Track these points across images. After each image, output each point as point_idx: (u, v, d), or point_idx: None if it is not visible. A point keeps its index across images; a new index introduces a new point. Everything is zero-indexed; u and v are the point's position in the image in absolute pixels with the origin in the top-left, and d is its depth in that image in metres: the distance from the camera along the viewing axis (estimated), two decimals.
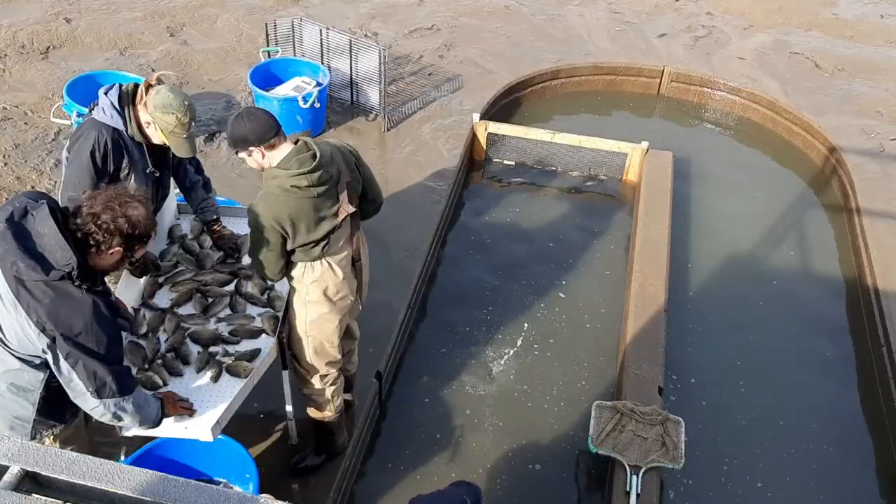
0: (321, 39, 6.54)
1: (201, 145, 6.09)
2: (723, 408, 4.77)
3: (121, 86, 3.27)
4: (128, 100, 3.23)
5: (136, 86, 3.28)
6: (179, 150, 3.29)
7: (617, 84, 7.83)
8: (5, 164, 5.54)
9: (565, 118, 7.36)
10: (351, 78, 6.58)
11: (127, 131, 3.27)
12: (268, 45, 6.73)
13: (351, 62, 6.48)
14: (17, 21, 7.32)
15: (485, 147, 6.66)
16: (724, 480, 4.38)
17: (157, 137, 3.28)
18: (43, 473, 1.61)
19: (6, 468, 1.61)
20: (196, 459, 3.57)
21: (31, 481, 1.62)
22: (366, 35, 7.71)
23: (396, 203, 5.80)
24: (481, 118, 6.61)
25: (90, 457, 1.65)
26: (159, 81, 3.24)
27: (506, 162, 6.71)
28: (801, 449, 4.58)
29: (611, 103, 7.70)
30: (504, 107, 7.26)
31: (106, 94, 3.25)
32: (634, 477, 3.95)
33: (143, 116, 3.23)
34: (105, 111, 3.23)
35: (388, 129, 6.55)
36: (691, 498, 4.29)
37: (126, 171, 3.32)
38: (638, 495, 3.90)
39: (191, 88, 6.76)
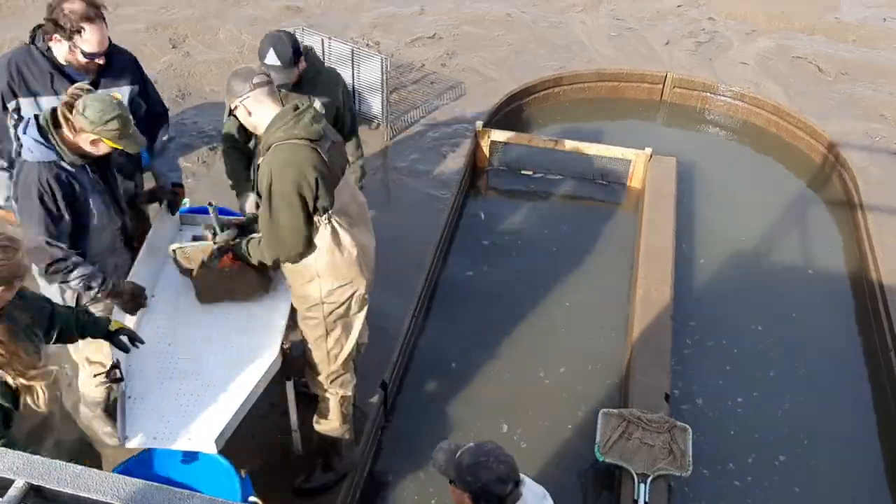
0: (323, 49, 6.55)
1: (204, 156, 6.10)
2: (729, 415, 4.74)
3: (37, 118, 3.09)
4: (50, 128, 3.06)
5: (54, 111, 3.11)
6: (131, 146, 3.15)
7: (620, 90, 7.82)
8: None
9: (568, 125, 7.35)
10: (353, 87, 6.59)
11: (63, 160, 3.10)
12: None
13: (353, 71, 6.49)
14: (19, 34, 7.34)
15: (488, 155, 6.66)
16: (731, 489, 4.34)
17: (106, 149, 3.13)
18: (47, 487, 1.60)
19: (11, 482, 1.60)
20: (178, 474, 3.48)
21: (36, 495, 1.61)
22: (368, 44, 7.72)
23: (400, 211, 5.80)
24: (484, 126, 6.61)
25: (95, 470, 1.64)
26: (76, 96, 3.06)
27: (509, 169, 6.71)
28: (809, 456, 4.55)
29: (614, 110, 7.70)
30: (507, 114, 7.26)
31: (25, 132, 3.07)
32: (642, 485, 3.93)
33: (85, 137, 3.06)
34: (32, 150, 3.05)
35: (391, 138, 6.55)
36: (701, 497, 4.26)
37: (82, 198, 3.18)
38: (646, 503, 3.88)
39: (193, 99, 6.78)
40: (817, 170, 7.03)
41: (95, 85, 3.57)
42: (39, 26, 3.51)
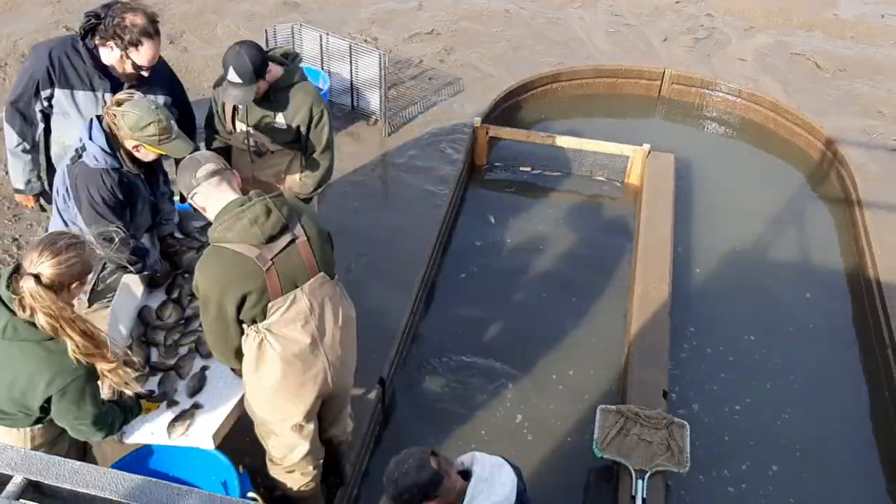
0: (321, 45, 6.54)
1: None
2: (727, 412, 4.74)
3: (100, 121, 3.17)
4: (112, 136, 3.16)
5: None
6: (177, 152, 3.19)
7: (618, 87, 7.82)
8: (6, 173, 5.53)
9: (566, 121, 7.34)
10: (351, 83, 6.58)
11: (122, 168, 3.21)
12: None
13: (351, 67, 6.48)
14: (16, 30, 7.33)
15: (486, 151, 6.65)
16: (726, 494, 4.34)
17: (150, 155, 3.22)
18: (46, 482, 1.60)
19: (9, 477, 1.60)
20: (176, 470, 3.48)
21: (34, 490, 1.61)
22: (366, 40, 7.71)
23: (397, 208, 5.79)
24: (482, 122, 6.61)
25: (93, 466, 1.64)
26: (118, 104, 3.12)
27: (507, 166, 6.70)
28: (805, 455, 4.54)
29: (612, 106, 7.69)
30: (505, 110, 7.26)
31: (91, 138, 3.15)
32: (640, 481, 3.93)
33: (129, 143, 3.16)
34: (98, 159, 3.14)
35: (389, 134, 6.54)
36: (695, 503, 4.26)
37: (137, 204, 3.33)
38: (644, 500, 3.88)
39: (191, 95, 6.68)
40: (815, 166, 7.03)
41: (133, 87, 3.64)
42: (90, 22, 3.53)
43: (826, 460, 4.53)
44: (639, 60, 7.92)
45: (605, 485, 4.26)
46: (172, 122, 3.17)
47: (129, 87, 3.62)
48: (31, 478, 1.59)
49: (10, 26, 7.37)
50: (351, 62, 6.45)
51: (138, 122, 3.08)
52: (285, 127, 3.94)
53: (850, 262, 5.96)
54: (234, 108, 3.98)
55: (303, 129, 3.97)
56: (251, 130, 3.97)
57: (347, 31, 7.73)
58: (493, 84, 7.34)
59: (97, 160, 3.15)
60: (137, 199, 3.33)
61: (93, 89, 3.58)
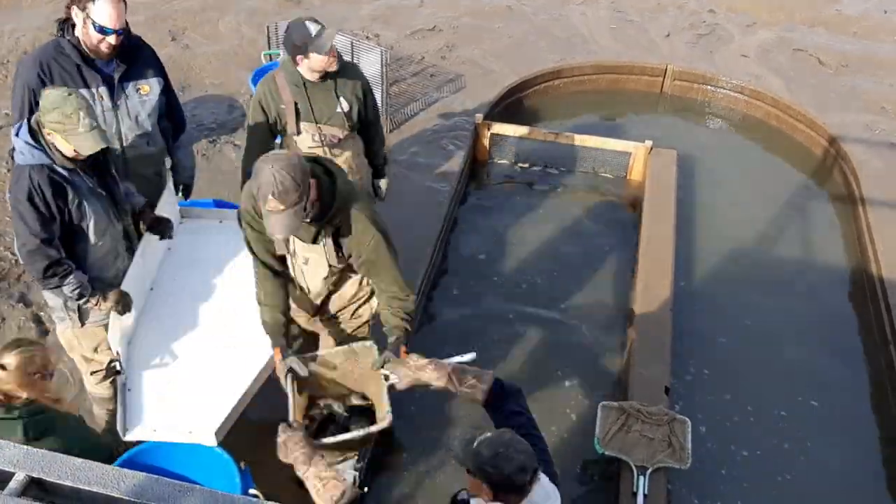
0: None
1: (204, 149, 6.08)
2: (729, 408, 4.73)
3: (29, 119, 3.06)
4: (40, 130, 3.03)
5: None
6: (82, 146, 2.99)
7: (620, 83, 7.80)
8: (8, 171, 5.54)
9: (568, 118, 7.34)
10: None
11: (55, 163, 3.05)
12: (269, 48, 6.73)
13: None
14: (19, 27, 7.33)
15: (488, 147, 6.65)
16: (729, 482, 4.33)
17: (66, 147, 3.03)
18: (48, 480, 1.60)
19: (11, 475, 1.60)
20: (178, 467, 3.48)
21: (36, 487, 1.62)
22: (367, 37, 7.70)
23: (400, 205, 5.77)
24: (484, 118, 6.60)
25: (95, 462, 1.65)
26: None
27: (509, 162, 6.70)
28: (807, 453, 4.53)
29: (614, 102, 7.68)
30: (507, 107, 7.25)
31: (17, 134, 3.04)
32: (641, 477, 3.93)
33: (45, 132, 3.02)
34: (24, 153, 3.02)
35: (391, 131, 6.53)
36: (698, 499, 4.26)
37: (76, 203, 3.12)
38: (645, 496, 3.88)
39: (193, 92, 6.76)
40: (817, 162, 7.02)
41: (124, 76, 3.56)
42: (66, 20, 3.46)
43: (830, 450, 4.52)
44: (641, 56, 7.91)
45: (607, 481, 4.26)
46: (85, 113, 2.95)
47: (121, 71, 3.53)
48: (34, 475, 1.60)
49: (12, 23, 7.37)
50: (352, 59, 6.43)
51: (47, 104, 2.92)
52: (348, 110, 4.08)
53: (852, 258, 5.95)
54: (297, 110, 4.01)
55: (361, 108, 4.15)
56: (321, 126, 4.06)
57: (349, 28, 7.72)
58: (495, 80, 7.33)
59: (24, 154, 3.02)
60: (83, 198, 3.13)
61: (86, 86, 3.48)
